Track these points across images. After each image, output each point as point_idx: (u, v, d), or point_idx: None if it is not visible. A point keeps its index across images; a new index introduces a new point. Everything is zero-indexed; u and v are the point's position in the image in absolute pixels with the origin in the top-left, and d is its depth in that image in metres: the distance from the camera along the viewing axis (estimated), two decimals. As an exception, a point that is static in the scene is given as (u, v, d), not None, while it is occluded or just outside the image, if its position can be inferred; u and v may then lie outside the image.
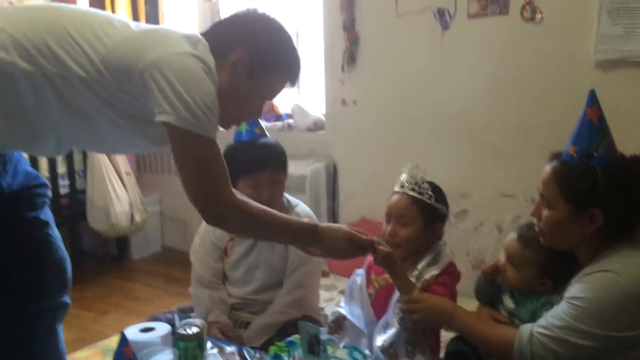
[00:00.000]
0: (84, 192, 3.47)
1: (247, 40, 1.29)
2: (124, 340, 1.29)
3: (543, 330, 1.25)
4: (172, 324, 1.50)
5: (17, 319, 1.38)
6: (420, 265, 1.53)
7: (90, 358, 2.52)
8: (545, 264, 1.41)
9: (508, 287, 1.48)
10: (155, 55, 1.17)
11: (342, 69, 3.19)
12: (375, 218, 3.05)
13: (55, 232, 1.45)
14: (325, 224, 1.43)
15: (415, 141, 3.01)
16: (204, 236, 1.94)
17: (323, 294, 2.71)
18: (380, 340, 1.47)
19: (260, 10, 1.36)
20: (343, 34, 3.15)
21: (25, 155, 1.44)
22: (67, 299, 1.47)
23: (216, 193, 1.24)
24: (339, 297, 2.87)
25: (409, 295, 1.43)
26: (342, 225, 1.42)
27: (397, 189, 1.58)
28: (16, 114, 1.20)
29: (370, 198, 3.14)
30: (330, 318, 1.62)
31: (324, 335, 1.38)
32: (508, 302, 1.48)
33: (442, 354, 1.57)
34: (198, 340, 1.33)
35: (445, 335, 1.58)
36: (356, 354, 1.39)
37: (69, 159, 3.40)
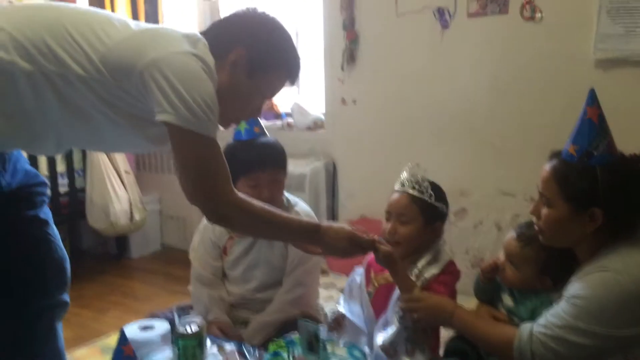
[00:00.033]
0: (83, 190, 3.47)
1: (247, 40, 1.29)
2: (123, 338, 1.29)
3: (543, 330, 1.25)
4: (172, 323, 1.50)
5: (16, 318, 1.37)
6: (420, 264, 1.53)
7: (90, 356, 2.52)
8: (544, 262, 1.41)
9: (507, 285, 1.48)
10: (155, 54, 1.16)
11: (342, 68, 3.19)
12: (374, 217, 3.06)
13: (54, 231, 1.45)
14: (327, 223, 1.43)
15: (415, 140, 3.01)
16: (203, 234, 1.93)
17: (322, 292, 2.71)
18: (380, 338, 1.47)
19: (260, 10, 1.36)
20: (343, 33, 3.15)
21: (24, 154, 1.44)
22: (66, 297, 1.47)
23: (217, 192, 1.24)
24: (338, 296, 2.87)
25: (410, 294, 1.44)
26: (343, 225, 1.42)
27: (397, 187, 1.58)
28: (16, 114, 1.20)
29: (369, 197, 3.14)
30: (330, 316, 1.62)
31: (323, 334, 1.38)
32: (507, 300, 1.48)
33: (441, 352, 1.57)
34: (197, 339, 1.33)
35: (445, 334, 1.58)
36: (355, 352, 1.39)
37: (69, 158, 3.40)
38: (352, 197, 3.32)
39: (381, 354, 1.44)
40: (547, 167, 1.34)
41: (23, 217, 1.38)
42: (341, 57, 3.18)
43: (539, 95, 2.63)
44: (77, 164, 3.47)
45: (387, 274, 1.56)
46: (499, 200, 2.80)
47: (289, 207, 1.87)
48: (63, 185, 3.42)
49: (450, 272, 1.54)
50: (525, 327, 1.29)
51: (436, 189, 1.57)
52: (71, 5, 1.32)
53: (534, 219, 1.38)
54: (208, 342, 1.49)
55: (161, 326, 1.53)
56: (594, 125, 1.27)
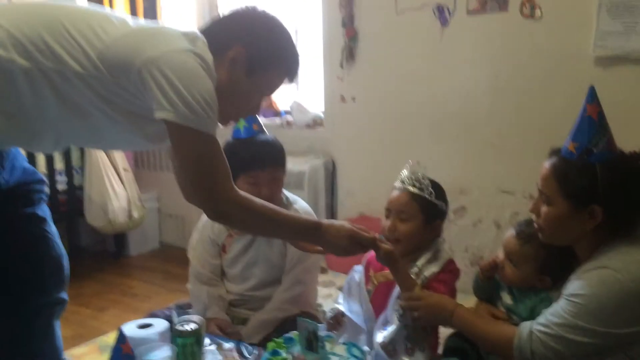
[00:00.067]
0: (81, 188, 3.46)
1: (246, 37, 1.29)
2: (121, 336, 1.29)
3: (542, 328, 1.25)
4: (170, 321, 1.50)
5: (14, 316, 1.37)
6: (419, 262, 1.53)
7: (88, 354, 2.52)
8: (544, 260, 1.40)
9: (507, 283, 1.48)
10: (153, 52, 1.16)
11: (341, 66, 3.19)
12: (373, 214, 3.06)
13: (52, 229, 1.45)
14: (328, 221, 1.43)
15: (414, 138, 3.01)
16: (202, 233, 1.93)
17: (321, 291, 2.71)
18: (380, 336, 1.47)
19: (259, 7, 1.36)
20: (342, 30, 3.14)
21: (22, 152, 1.43)
22: (64, 295, 1.47)
23: (217, 189, 1.23)
24: (337, 294, 2.86)
25: (410, 292, 1.43)
26: (344, 223, 1.42)
27: (397, 185, 1.58)
28: (15, 112, 1.20)
29: (368, 195, 3.14)
30: (329, 315, 1.62)
31: (322, 332, 1.38)
32: (506, 298, 1.48)
33: (440, 351, 1.57)
34: (196, 337, 1.32)
35: (444, 332, 1.58)
36: (354, 351, 1.39)
37: (67, 155, 3.39)
38: (351, 195, 3.32)
39: (381, 352, 1.44)
40: (547, 164, 1.33)
41: (21, 215, 1.38)
42: (340, 55, 3.17)
43: (539, 93, 2.63)
44: (75, 161, 3.46)
45: (386, 272, 1.56)
46: (499, 198, 2.80)
47: (287, 205, 1.87)
48: (61, 182, 3.41)
49: (450, 271, 1.54)
50: (525, 326, 1.29)
51: (436, 187, 1.57)
52: (69, 2, 1.32)
53: (533, 216, 1.38)
54: (207, 340, 1.48)
55: (160, 324, 1.53)
56: (593, 123, 1.26)
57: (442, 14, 2.82)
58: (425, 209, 1.53)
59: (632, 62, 2.39)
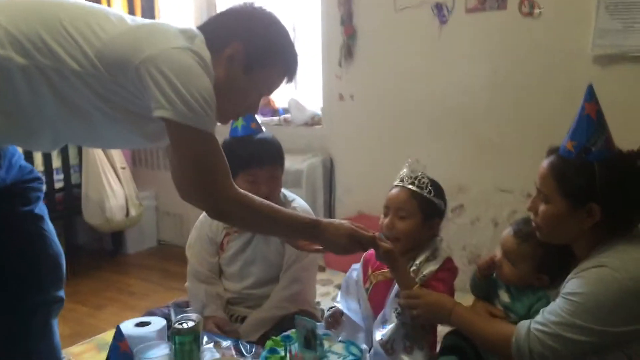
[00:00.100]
0: (79, 186, 3.46)
1: (244, 34, 1.28)
2: (119, 334, 1.29)
3: (540, 327, 1.25)
4: (168, 319, 1.50)
5: (11, 314, 1.37)
6: (418, 261, 1.53)
7: (86, 353, 2.51)
8: (541, 259, 1.40)
9: (504, 282, 1.48)
10: (151, 50, 1.16)
11: (340, 64, 3.18)
12: (372, 213, 3.05)
13: (49, 227, 1.44)
14: (327, 219, 1.43)
15: (413, 136, 3.01)
16: (200, 231, 1.93)
17: (319, 289, 2.71)
18: (379, 335, 1.47)
19: (257, 4, 1.35)
20: (340, 28, 3.14)
21: (19, 150, 1.43)
22: (61, 293, 1.46)
23: (217, 187, 1.23)
24: (335, 292, 2.87)
25: (409, 290, 1.43)
26: (343, 221, 1.42)
27: (396, 182, 1.58)
28: (13, 111, 1.19)
29: (367, 193, 3.13)
30: (328, 313, 1.62)
31: (320, 330, 1.38)
32: (504, 296, 1.48)
33: (437, 349, 1.57)
34: (194, 335, 1.32)
35: (442, 330, 1.58)
36: (352, 349, 1.39)
37: (64, 153, 3.39)
38: (349, 193, 3.32)
39: (380, 350, 1.44)
40: (545, 163, 1.33)
41: (18, 213, 1.37)
42: (339, 53, 3.17)
43: (537, 91, 2.63)
44: (72, 159, 3.46)
45: (384, 270, 1.56)
46: (497, 196, 2.80)
47: (286, 203, 1.87)
48: (59, 180, 3.40)
49: (448, 269, 1.54)
50: (523, 325, 1.29)
51: (436, 185, 1.56)
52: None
53: (531, 215, 1.38)
54: (205, 338, 1.48)
55: (157, 322, 1.53)
56: (592, 121, 1.26)
57: (441, 12, 2.82)
58: (424, 207, 1.53)
59: (631, 60, 2.39)
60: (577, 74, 2.46)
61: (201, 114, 1.16)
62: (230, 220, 1.42)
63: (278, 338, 1.44)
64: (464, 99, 2.82)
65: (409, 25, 2.93)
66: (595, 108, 1.27)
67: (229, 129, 1.85)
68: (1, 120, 1.20)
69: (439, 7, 2.82)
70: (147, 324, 1.52)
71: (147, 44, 1.17)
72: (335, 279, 3.09)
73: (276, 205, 1.36)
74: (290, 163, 2.64)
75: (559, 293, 1.28)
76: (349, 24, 3.11)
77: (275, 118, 3.55)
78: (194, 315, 1.35)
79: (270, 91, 1.41)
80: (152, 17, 3.68)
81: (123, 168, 3.55)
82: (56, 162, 3.37)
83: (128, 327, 1.50)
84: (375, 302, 1.54)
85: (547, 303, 1.32)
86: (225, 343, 1.54)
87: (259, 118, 1.89)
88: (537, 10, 2.57)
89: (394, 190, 1.57)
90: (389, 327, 1.46)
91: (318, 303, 2.04)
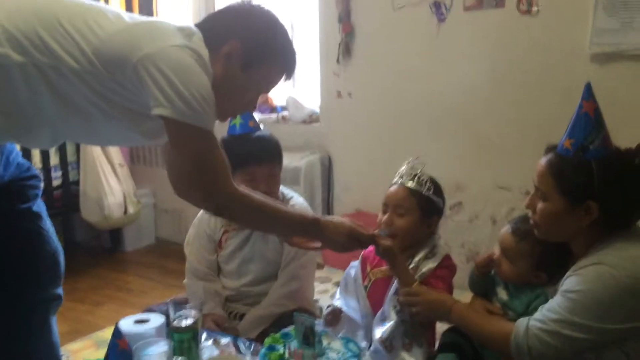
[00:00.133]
0: (76, 183, 3.45)
1: (242, 32, 1.28)
2: (118, 332, 1.29)
3: (539, 324, 1.25)
4: (167, 316, 1.50)
5: (10, 312, 1.37)
6: (417, 258, 1.53)
7: (84, 350, 2.52)
8: (539, 256, 1.41)
9: (503, 279, 1.48)
10: (149, 48, 1.15)
11: (338, 61, 3.18)
12: (370, 210, 3.06)
13: (47, 224, 1.44)
14: (327, 217, 1.43)
15: (411, 133, 3.01)
16: (198, 228, 1.93)
17: (317, 286, 2.72)
18: (378, 332, 1.47)
19: (255, 2, 1.35)
20: (338, 25, 3.13)
21: (17, 147, 1.43)
22: (60, 291, 1.46)
23: (217, 185, 1.23)
24: (333, 289, 2.87)
25: (409, 288, 1.44)
26: (343, 219, 1.42)
27: (395, 180, 1.58)
28: (11, 108, 1.19)
29: (365, 190, 3.14)
30: (327, 311, 1.62)
31: (319, 327, 1.38)
32: (502, 294, 1.48)
33: (436, 346, 1.58)
34: (193, 332, 1.32)
35: (440, 327, 1.59)
36: (351, 345, 1.39)
37: (62, 151, 3.38)
38: (347, 190, 3.32)
39: (379, 348, 1.44)
40: (543, 161, 1.33)
41: (16, 211, 1.37)
42: (337, 50, 3.17)
43: (535, 89, 2.63)
44: (70, 156, 3.45)
45: (383, 268, 1.56)
46: (495, 194, 2.80)
47: (284, 200, 1.87)
48: (56, 178, 3.40)
49: (447, 267, 1.54)
50: (522, 322, 1.29)
51: (435, 183, 1.57)
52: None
53: (529, 213, 1.38)
54: (203, 335, 1.48)
55: (156, 319, 1.52)
56: (589, 120, 1.27)
57: (439, 10, 2.82)
58: (423, 205, 1.53)
59: (628, 59, 2.39)
60: (575, 72, 2.46)
61: (200, 112, 1.16)
62: (230, 217, 1.43)
63: (277, 335, 1.45)
64: (462, 97, 2.82)
65: (407, 23, 2.93)
66: (593, 106, 1.27)
67: (227, 126, 1.85)
68: (1, 120, 1.19)
69: (437, 5, 2.82)
70: (145, 321, 1.52)
71: (145, 41, 1.17)
72: (333, 277, 3.10)
73: (276, 203, 1.36)
74: (289, 161, 2.64)
75: (557, 291, 1.29)
76: (347, 22, 3.11)
77: (274, 116, 3.55)
78: (192, 313, 1.35)
79: (268, 89, 1.41)
80: (150, 14, 3.68)
81: (121, 165, 3.54)
82: (54, 160, 3.37)
83: (127, 324, 1.49)
84: (374, 300, 1.54)
85: (546, 300, 1.32)
86: (224, 340, 1.54)
87: (256, 116, 1.89)
88: (535, 8, 2.57)
89: (393, 188, 1.57)
90: (388, 325, 1.46)
91: (316, 300, 2.04)
